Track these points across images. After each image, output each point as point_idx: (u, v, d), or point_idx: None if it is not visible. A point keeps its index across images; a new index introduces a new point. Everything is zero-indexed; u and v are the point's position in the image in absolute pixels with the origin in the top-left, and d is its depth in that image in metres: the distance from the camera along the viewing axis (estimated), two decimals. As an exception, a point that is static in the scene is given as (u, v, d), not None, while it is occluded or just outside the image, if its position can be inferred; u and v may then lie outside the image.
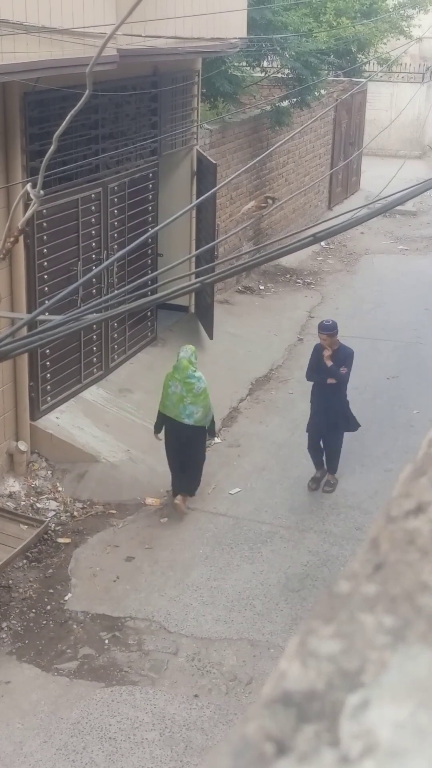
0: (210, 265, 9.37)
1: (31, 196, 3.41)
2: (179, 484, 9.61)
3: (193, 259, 11.79)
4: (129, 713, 7.05)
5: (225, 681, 7.42)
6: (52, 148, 3.34)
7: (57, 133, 3.29)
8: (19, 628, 7.97)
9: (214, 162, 12.92)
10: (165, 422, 9.56)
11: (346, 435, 10.52)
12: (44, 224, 9.87)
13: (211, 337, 13.15)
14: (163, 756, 6.68)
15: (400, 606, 0.80)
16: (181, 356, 9.37)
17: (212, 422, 9.65)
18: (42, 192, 3.34)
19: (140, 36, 9.40)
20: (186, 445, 9.45)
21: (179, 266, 6.39)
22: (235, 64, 15.31)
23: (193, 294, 13.24)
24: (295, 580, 8.66)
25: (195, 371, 9.34)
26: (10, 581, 8.50)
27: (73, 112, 3.18)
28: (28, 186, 3.40)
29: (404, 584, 0.82)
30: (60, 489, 9.87)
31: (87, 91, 3.04)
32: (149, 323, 12.84)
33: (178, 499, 9.51)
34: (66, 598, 8.36)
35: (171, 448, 9.55)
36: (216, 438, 10.81)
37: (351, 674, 0.74)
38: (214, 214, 12.97)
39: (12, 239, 3.70)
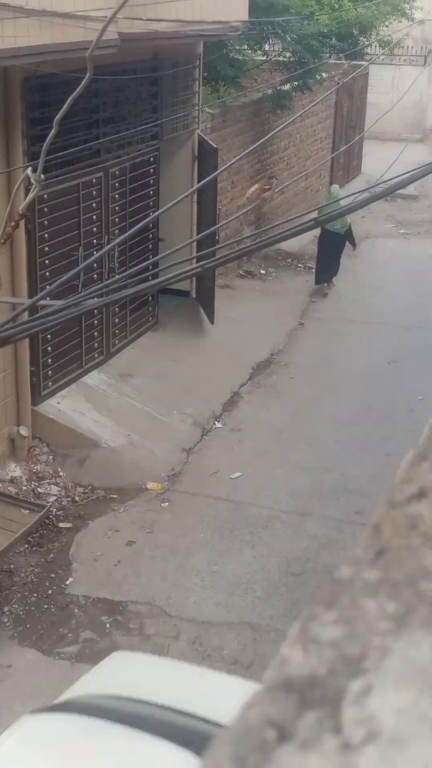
0: (211, 249, 9.35)
1: (32, 180, 3.40)
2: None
3: (195, 244, 11.76)
4: (130, 697, 7.07)
5: (226, 665, 7.44)
6: (53, 131, 3.32)
7: (57, 117, 3.28)
8: (21, 613, 7.99)
9: (216, 146, 12.87)
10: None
11: (346, 419, 10.51)
12: (45, 209, 9.85)
13: (212, 321, 13.13)
14: (164, 739, 6.70)
15: (402, 592, 0.80)
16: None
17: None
18: (43, 176, 3.33)
19: (141, 19, 9.35)
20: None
21: (180, 251, 6.37)
22: (237, 47, 15.23)
23: (194, 279, 13.22)
24: (296, 564, 8.68)
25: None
26: (12, 566, 8.52)
27: (73, 95, 3.16)
28: (29, 170, 3.40)
29: (406, 570, 0.82)
30: (61, 474, 9.88)
31: (88, 75, 3.02)
32: (150, 308, 12.83)
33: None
34: (67, 582, 8.38)
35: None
36: (217, 423, 10.84)
37: (353, 660, 0.74)
38: (215, 199, 12.93)
39: (13, 224, 3.69)
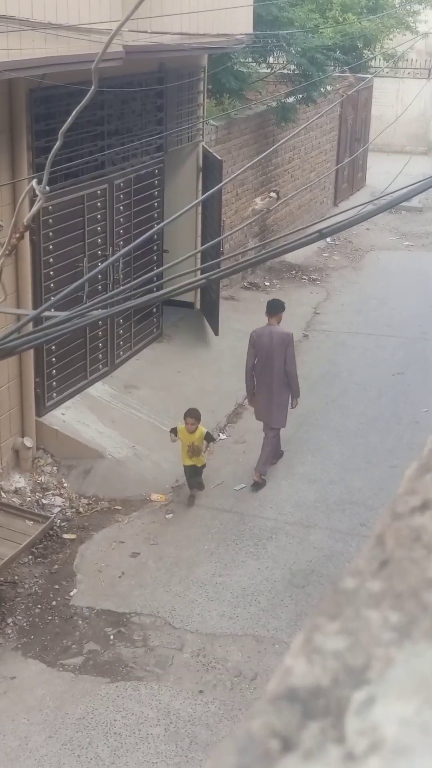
0: (215, 261, 9.37)
1: (37, 192, 3.41)
2: None
3: (199, 255, 11.78)
4: (134, 709, 7.06)
5: (230, 677, 7.43)
6: (58, 143, 3.33)
7: (63, 129, 3.29)
8: (25, 624, 7.98)
9: (220, 158, 12.91)
10: None
11: (351, 431, 10.50)
12: (50, 220, 9.88)
13: (216, 333, 13.14)
14: (167, 751, 6.69)
15: (405, 603, 0.80)
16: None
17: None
18: (48, 188, 3.34)
19: (146, 32, 9.39)
20: None
21: (185, 262, 6.39)
22: (241, 60, 15.30)
23: (199, 290, 13.24)
24: (300, 576, 8.67)
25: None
26: (16, 577, 8.52)
27: (79, 107, 3.18)
28: (34, 182, 3.41)
29: (410, 581, 0.82)
30: (65, 485, 9.88)
31: (93, 87, 3.04)
32: (155, 319, 12.84)
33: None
34: (71, 593, 8.37)
35: None
36: (221, 434, 10.86)
37: (356, 671, 0.74)
38: (219, 211, 12.96)
39: (18, 235, 3.71)
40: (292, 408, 10.27)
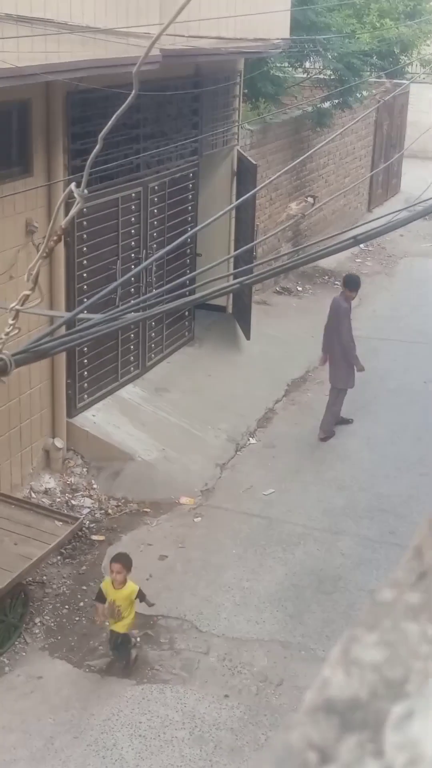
0: (249, 266, 9.37)
1: (75, 195, 3.43)
2: None
3: (232, 260, 11.79)
4: (159, 711, 7.07)
5: (255, 682, 7.41)
6: (98, 147, 3.35)
7: (102, 133, 3.30)
8: (52, 624, 8.01)
9: (255, 162, 12.91)
10: None
11: (382, 438, 10.46)
12: (84, 223, 9.92)
13: (248, 337, 13.14)
14: (192, 755, 6.69)
15: (445, 616, 0.79)
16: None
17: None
18: (86, 191, 3.35)
19: (183, 36, 9.42)
20: None
21: (217, 267, 6.39)
22: (278, 65, 15.30)
23: (231, 294, 13.24)
24: (328, 582, 8.64)
25: None
26: (45, 577, 8.55)
27: (119, 111, 3.19)
28: (72, 185, 3.42)
29: (449, 594, 0.82)
30: (95, 486, 9.92)
31: (133, 91, 3.04)
32: (186, 323, 12.86)
33: None
34: (99, 595, 8.39)
35: None
36: (251, 439, 10.88)
37: (395, 684, 0.73)
38: (253, 216, 12.95)
39: (55, 238, 3.73)
40: (358, 372, 11.37)
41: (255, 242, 11.79)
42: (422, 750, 0.67)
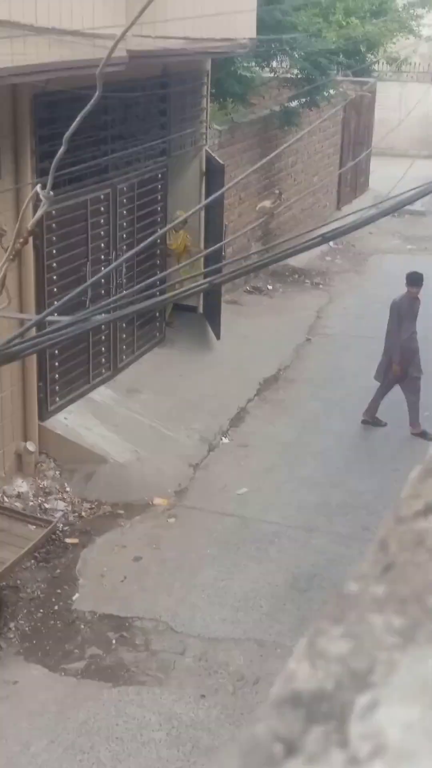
0: (218, 265, 9.37)
1: (41, 197, 3.42)
2: None
3: (202, 259, 11.79)
4: (136, 713, 7.05)
5: (232, 681, 7.42)
6: (62, 149, 3.34)
7: (67, 135, 3.30)
8: (27, 628, 7.98)
9: (222, 163, 12.92)
10: None
11: (354, 435, 10.50)
12: (53, 225, 9.89)
13: (218, 337, 13.15)
14: (169, 756, 6.68)
15: (409, 607, 0.80)
16: None
17: None
18: (52, 193, 3.34)
19: (150, 37, 9.40)
20: None
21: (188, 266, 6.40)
22: (245, 64, 15.30)
23: (202, 294, 13.24)
24: (303, 580, 8.66)
25: None
26: (19, 581, 8.51)
27: (83, 113, 3.18)
28: (38, 187, 3.41)
29: (413, 585, 0.82)
30: (68, 489, 9.89)
31: (97, 93, 3.04)
32: (158, 323, 12.85)
33: None
34: (73, 598, 8.37)
35: None
36: (224, 438, 10.87)
37: (360, 675, 0.74)
38: (221, 215, 12.96)
39: (22, 240, 3.71)
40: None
41: (224, 241, 11.80)
42: (386, 739, 0.67)
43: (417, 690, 0.72)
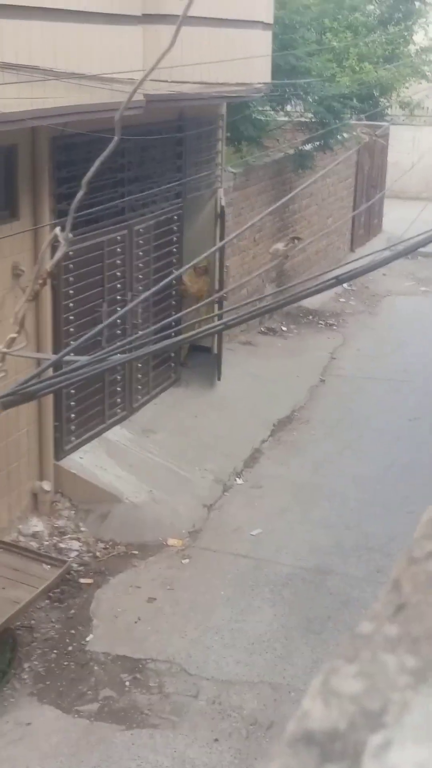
0: (228, 309, 9.41)
1: (60, 239, 3.47)
2: None
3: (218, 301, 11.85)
4: (149, 757, 6.99)
5: (245, 725, 7.35)
6: (81, 192, 3.39)
7: (86, 178, 3.35)
8: (41, 669, 7.94)
9: (223, 205, 13.02)
10: None
11: (368, 477, 10.45)
12: (70, 266, 9.97)
13: (218, 378, 13.15)
14: (183, 800, 6.61)
15: (422, 647, 0.81)
16: None
17: None
18: (71, 235, 3.39)
19: (166, 81, 9.54)
20: None
21: (203, 308, 6.44)
22: (260, 108, 15.48)
23: (216, 335, 13.29)
24: (316, 622, 8.60)
25: None
26: (33, 621, 8.49)
27: (102, 157, 3.23)
28: (57, 229, 3.46)
29: (426, 625, 0.84)
30: (83, 529, 9.88)
31: (115, 138, 3.10)
32: (172, 364, 12.90)
33: None
34: (87, 639, 8.33)
35: None
36: (238, 479, 10.86)
37: (373, 714, 0.75)
38: (222, 260, 12.95)
39: (41, 281, 3.76)
40: None
41: (224, 291, 11.84)
42: (399, 777, 0.68)
43: (429, 730, 0.73)
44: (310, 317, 17.12)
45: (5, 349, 3.68)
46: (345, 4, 19.46)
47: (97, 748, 7.06)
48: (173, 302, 12.48)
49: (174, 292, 12.51)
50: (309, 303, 16.74)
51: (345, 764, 0.71)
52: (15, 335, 3.66)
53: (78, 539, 9.73)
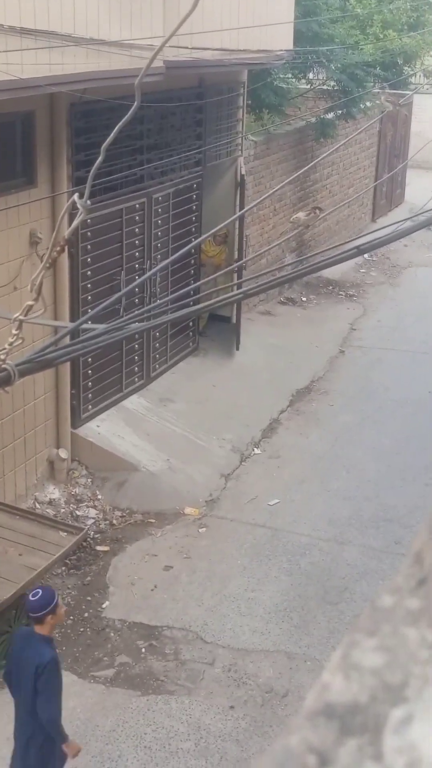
0: (249, 278, 9.37)
1: (78, 206, 3.44)
2: None
3: (237, 270, 11.81)
4: (164, 722, 7.05)
5: (261, 693, 7.40)
6: (100, 158, 3.36)
7: (105, 144, 3.31)
8: (57, 635, 8.00)
9: (243, 174, 12.93)
10: None
11: (387, 448, 10.43)
12: (88, 234, 9.94)
13: (237, 348, 13.13)
14: (197, 766, 6.67)
15: (444, 621, 0.79)
16: None
17: None
18: (89, 202, 3.36)
19: (187, 48, 9.45)
20: None
21: (222, 276, 6.40)
22: (281, 76, 15.34)
23: (236, 305, 13.25)
24: (333, 593, 8.62)
25: None
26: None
27: (121, 123, 3.20)
28: (75, 196, 3.43)
29: (449, 599, 0.82)
30: (99, 497, 9.92)
31: (135, 103, 3.06)
32: (191, 333, 12.87)
33: None
34: (104, 605, 8.39)
35: None
36: (256, 449, 10.85)
37: (394, 688, 0.74)
38: (242, 230, 12.87)
39: (58, 249, 3.74)
40: None
41: (243, 261, 11.78)
42: (421, 753, 0.67)
43: (452, 705, 0.71)
44: (330, 287, 17.04)
45: (22, 317, 3.67)
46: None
47: (112, 714, 7.13)
48: (192, 271, 12.44)
49: (193, 261, 12.46)
50: (329, 273, 16.66)
51: (365, 738, 0.70)
52: (32, 302, 3.64)
53: (94, 507, 9.77)
